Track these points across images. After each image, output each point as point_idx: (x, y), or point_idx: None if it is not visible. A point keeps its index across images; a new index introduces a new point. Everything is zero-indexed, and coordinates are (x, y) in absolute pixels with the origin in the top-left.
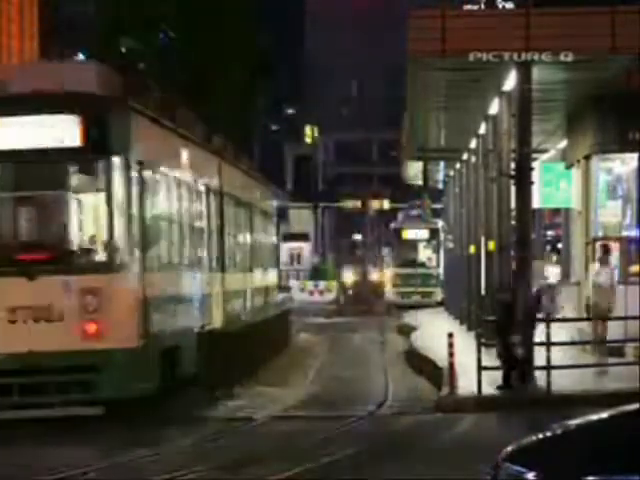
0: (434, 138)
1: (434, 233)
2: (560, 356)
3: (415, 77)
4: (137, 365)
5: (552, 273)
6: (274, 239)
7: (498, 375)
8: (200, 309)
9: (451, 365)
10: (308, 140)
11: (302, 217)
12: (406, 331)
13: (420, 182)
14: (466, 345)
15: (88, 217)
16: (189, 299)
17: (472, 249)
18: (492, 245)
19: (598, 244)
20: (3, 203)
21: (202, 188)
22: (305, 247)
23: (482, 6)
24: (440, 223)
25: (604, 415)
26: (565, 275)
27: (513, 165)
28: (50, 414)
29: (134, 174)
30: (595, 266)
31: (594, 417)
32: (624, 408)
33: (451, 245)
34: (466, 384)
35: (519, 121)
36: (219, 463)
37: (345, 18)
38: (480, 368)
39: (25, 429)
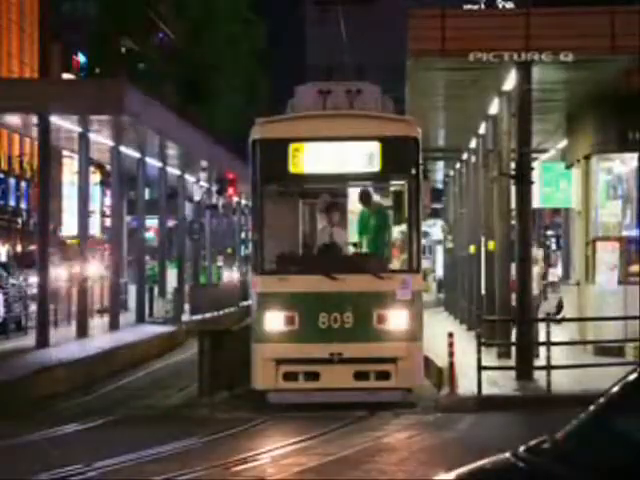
0: (434, 138)
1: None
2: (560, 356)
3: (415, 77)
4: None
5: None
6: None
7: (498, 375)
8: None
9: (451, 365)
10: None
11: None
12: None
13: None
14: (466, 345)
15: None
16: None
17: (472, 249)
18: (492, 245)
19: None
20: None
21: None
22: None
23: (482, 6)
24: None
25: None
26: (565, 275)
27: (513, 165)
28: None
29: None
30: None
31: None
32: None
33: (451, 245)
34: (466, 384)
35: (519, 121)
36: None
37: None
38: (480, 368)
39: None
